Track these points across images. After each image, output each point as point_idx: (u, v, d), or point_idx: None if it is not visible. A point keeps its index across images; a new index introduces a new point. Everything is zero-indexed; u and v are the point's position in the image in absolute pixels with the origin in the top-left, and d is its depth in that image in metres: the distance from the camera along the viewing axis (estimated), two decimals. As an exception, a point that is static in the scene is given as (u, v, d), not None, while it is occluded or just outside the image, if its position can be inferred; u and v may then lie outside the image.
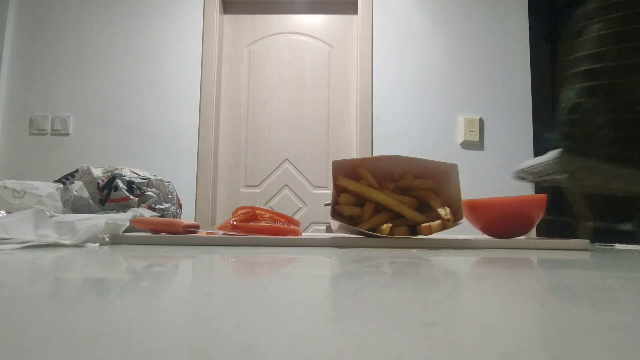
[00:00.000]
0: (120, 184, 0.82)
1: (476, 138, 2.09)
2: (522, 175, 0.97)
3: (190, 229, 0.63)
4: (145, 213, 0.72)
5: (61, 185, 0.77)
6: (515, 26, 2.14)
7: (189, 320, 0.15)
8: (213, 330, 0.13)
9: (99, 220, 0.53)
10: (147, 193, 0.84)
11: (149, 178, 0.86)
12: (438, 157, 1.94)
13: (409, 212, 0.60)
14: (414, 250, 0.50)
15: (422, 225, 0.57)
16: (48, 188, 0.73)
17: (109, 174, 0.83)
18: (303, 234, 0.79)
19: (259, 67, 2.28)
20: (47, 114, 2.18)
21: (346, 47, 2.28)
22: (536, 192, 1.58)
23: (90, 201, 0.78)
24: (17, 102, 2.19)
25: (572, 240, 0.60)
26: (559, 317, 0.16)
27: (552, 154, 0.89)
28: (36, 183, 0.73)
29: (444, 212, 0.58)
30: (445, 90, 2.14)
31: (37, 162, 2.15)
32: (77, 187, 0.77)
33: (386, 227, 0.57)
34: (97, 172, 0.83)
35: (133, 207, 0.80)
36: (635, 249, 0.63)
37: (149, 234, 0.62)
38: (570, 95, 0.90)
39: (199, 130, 2.15)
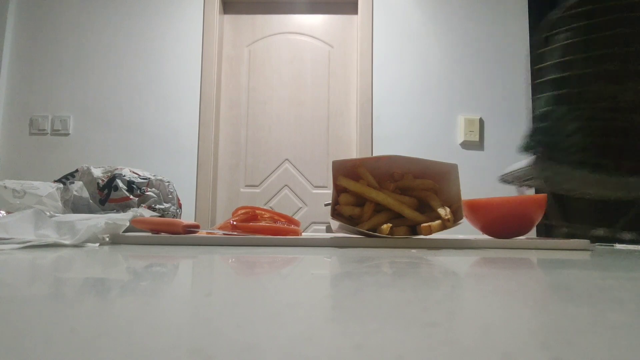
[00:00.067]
0: (120, 184, 0.82)
1: (476, 138, 2.09)
2: (506, 179, 0.98)
3: (190, 229, 0.63)
4: (145, 213, 0.72)
5: (61, 185, 0.77)
6: (515, 26, 2.14)
7: (189, 320, 0.15)
8: (213, 330, 0.13)
9: (99, 220, 0.53)
10: (147, 193, 0.84)
11: (149, 178, 0.86)
12: (438, 157, 1.94)
13: (409, 212, 0.60)
14: (414, 250, 0.50)
15: (422, 225, 0.57)
16: (48, 188, 0.73)
17: (109, 174, 0.83)
18: (303, 234, 0.79)
19: (259, 67, 2.28)
20: (47, 114, 2.18)
21: (346, 47, 2.28)
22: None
23: (90, 201, 0.78)
24: (17, 102, 2.19)
25: (572, 240, 0.60)
26: (559, 317, 0.16)
27: (529, 160, 0.91)
28: (36, 183, 0.73)
29: (444, 212, 0.58)
30: (445, 90, 2.14)
31: (37, 162, 2.15)
32: (77, 187, 0.77)
33: (386, 227, 0.57)
34: (97, 172, 0.83)
35: (133, 207, 0.80)
36: (635, 249, 0.63)
37: (149, 234, 0.62)
38: (540, 103, 0.92)
39: (199, 130, 2.15)
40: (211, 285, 0.24)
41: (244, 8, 2.31)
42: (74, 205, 0.76)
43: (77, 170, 0.86)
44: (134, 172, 0.86)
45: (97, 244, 0.51)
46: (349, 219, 0.62)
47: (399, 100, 2.15)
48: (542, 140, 0.89)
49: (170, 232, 0.62)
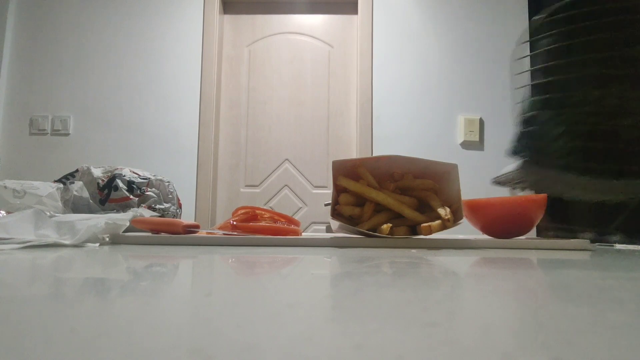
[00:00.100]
0: (120, 184, 0.82)
1: (476, 138, 2.09)
2: (499, 181, 0.99)
3: (190, 229, 0.63)
4: (145, 213, 0.72)
5: (61, 185, 0.77)
6: (515, 26, 2.14)
7: (189, 320, 0.15)
8: (213, 330, 0.13)
9: (99, 220, 0.53)
10: (147, 193, 0.84)
11: (149, 178, 0.86)
12: (438, 157, 1.94)
13: (409, 212, 0.60)
14: (414, 250, 0.50)
15: (422, 225, 0.57)
16: (48, 188, 0.73)
17: (109, 174, 0.83)
18: (303, 234, 0.79)
19: (259, 67, 2.28)
20: (47, 114, 2.18)
21: (346, 47, 2.28)
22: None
23: (90, 201, 0.78)
24: (17, 102, 2.19)
25: (572, 240, 0.60)
26: (559, 317, 0.16)
27: (518, 164, 0.92)
28: (36, 183, 0.73)
29: (444, 212, 0.58)
30: (445, 90, 2.14)
31: (37, 162, 2.15)
32: (77, 187, 0.77)
33: (386, 227, 0.57)
34: (97, 172, 0.83)
35: (133, 207, 0.80)
36: (635, 249, 0.63)
37: (149, 234, 0.62)
38: (525, 108, 0.92)
39: (199, 130, 2.15)
40: (211, 285, 0.24)
41: (244, 8, 2.31)
42: (74, 205, 0.76)
43: (77, 170, 0.86)
44: (134, 172, 0.86)
45: (97, 244, 0.51)
46: (349, 219, 0.62)
47: (399, 100, 2.15)
48: (528, 144, 0.90)
49: (170, 232, 0.62)
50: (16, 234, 0.49)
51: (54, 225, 0.52)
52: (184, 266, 0.34)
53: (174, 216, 0.89)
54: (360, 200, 0.62)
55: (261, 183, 2.22)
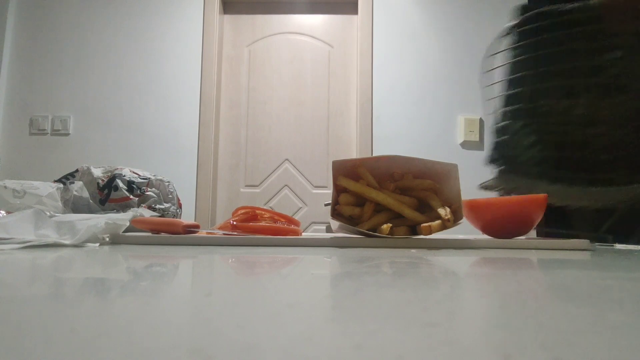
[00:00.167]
0: (120, 184, 0.82)
1: (476, 138, 2.09)
2: (484, 186, 1.00)
3: (190, 229, 0.63)
4: (145, 213, 0.72)
5: (61, 185, 0.77)
6: (515, 26, 2.13)
7: (189, 320, 0.15)
8: (213, 330, 0.13)
9: (99, 220, 0.53)
10: (147, 193, 0.84)
11: (149, 178, 0.86)
12: (438, 157, 1.94)
13: (409, 212, 0.60)
14: (414, 250, 0.50)
15: (422, 225, 0.57)
16: (48, 188, 0.73)
17: (109, 174, 0.83)
18: (303, 234, 0.79)
19: (259, 67, 2.28)
20: (47, 114, 2.18)
21: (346, 47, 2.28)
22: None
23: (90, 201, 0.78)
24: (17, 102, 2.19)
25: (572, 240, 0.60)
26: (559, 317, 0.16)
27: (496, 172, 0.93)
28: (36, 183, 0.73)
29: (444, 212, 0.58)
30: (445, 90, 2.14)
31: (37, 162, 2.15)
32: (77, 187, 0.77)
33: (386, 227, 0.57)
34: (97, 172, 0.83)
35: (133, 207, 0.80)
36: (635, 249, 0.63)
37: (149, 234, 0.62)
38: (497, 118, 0.94)
39: (199, 130, 2.15)
40: (211, 285, 0.24)
41: (244, 8, 2.31)
42: (74, 205, 0.76)
43: (77, 170, 0.86)
44: (134, 172, 0.86)
45: (97, 244, 0.51)
46: (349, 219, 0.62)
47: (399, 100, 2.15)
48: (502, 153, 0.91)
49: (170, 232, 0.62)
50: (16, 234, 0.49)
51: (54, 225, 0.52)
52: (184, 266, 0.34)
53: (174, 216, 0.89)
54: (360, 200, 0.62)
55: (261, 183, 2.22)
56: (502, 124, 0.93)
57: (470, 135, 2.09)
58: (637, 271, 0.33)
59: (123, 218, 0.59)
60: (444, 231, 0.59)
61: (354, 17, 2.27)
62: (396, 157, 0.65)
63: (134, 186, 0.83)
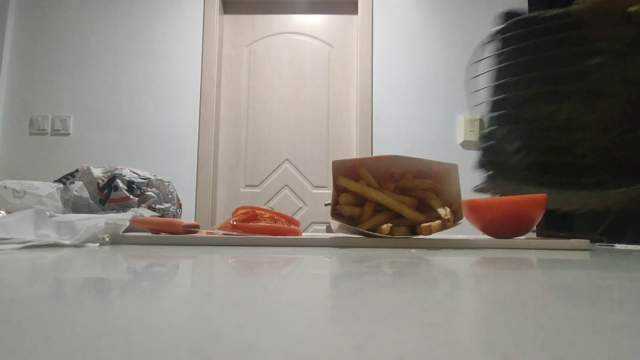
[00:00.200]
0: (120, 184, 0.82)
1: (476, 138, 2.09)
2: (478, 189, 1.01)
3: (190, 229, 0.63)
4: (145, 213, 0.72)
5: (61, 185, 0.77)
6: (515, 26, 2.13)
7: (189, 320, 0.15)
8: (213, 330, 0.13)
9: (99, 220, 0.53)
10: (147, 193, 0.84)
11: (149, 178, 0.86)
12: (438, 157, 1.94)
13: (409, 212, 0.60)
14: (413, 250, 0.50)
15: (422, 225, 0.57)
16: (48, 188, 0.73)
17: (109, 174, 0.83)
18: (303, 234, 0.79)
19: (259, 67, 2.28)
20: (47, 114, 2.18)
21: (346, 47, 2.28)
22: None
23: (90, 201, 0.78)
24: (17, 102, 2.19)
25: (572, 240, 0.60)
26: (559, 317, 0.16)
27: (485, 176, 0.94)
28: (36, 183, 0.73)
29: (444, 212, 0.58)
30: (445, 90, 2.14)
31: (37, 162, 2.15)
32: (77, 187, 0.77)
33: (386, 227, 0.57)
34: (97, 172, 0.83)
35: (133, 207, 0.80)
36: (635, 249, 0.63)
37: (149, 234, 0.62)
38: (484, 123, 0.94)
39: (199, 130, 2.15)
40: (211, 285, 0.24)
41: (244, 8, 2.31)
42: (74, 205, 0.76)
43: (77, 170, 0.86)
44: (134, 172, 0.86)
45: (97, 244, 0.51)
46: (349, 219, 0.62)
47: (398, 100, 2.15)
48: (490, 159, 0.92)
49: (170, 232, 0.62)
50: (16, 234, 0.49)
51: (54, 225, 0.52)
52: (184, 266, 0.34)
53: (174, 216, 0.89)
54: (360, 200, 0.62)
55: (261, 183, 2.22)
56: (489, 129, 0.94)
57: (470, 135, 2.09)
58: (637, 271, 0.33)
59: (123, 218, 0.59)
60: (444, 231, 0.59)
61: (354, 17, 2.27)
62: (396, 157, 0.65)
63: (134, 186, 0.83)
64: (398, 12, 2.19)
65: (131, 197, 0.81)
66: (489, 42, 0.94)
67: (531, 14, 0.88)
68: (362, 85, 2.17)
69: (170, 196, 0.88)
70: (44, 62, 2.21)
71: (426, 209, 0.62)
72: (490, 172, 0.91)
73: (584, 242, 0.59)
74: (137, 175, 0.85)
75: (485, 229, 0.69)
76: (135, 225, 0.63)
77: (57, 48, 2.21)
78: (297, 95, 2.25)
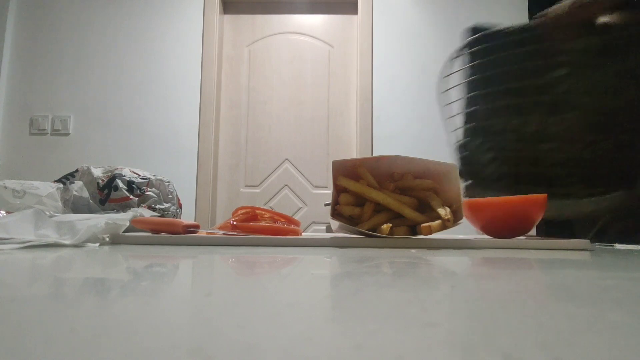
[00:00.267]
0: (120, 184, 0.82)
1: (476, 138, 2.09)
2: (465, 195, 1.04)
3: (190, 229, 0.63)
4: (145, 213, 0.72)
5: (61, 185, 0.77)
6: (515, 26, 2.14)
7: (189, 320, 0.15)
8: (213, 330, 0.13)
9: (99, 220, 0.53)
10: (147, 193, 0.84)
11: (149, 178, 0.86)
12: (438, 157, 1.94)
13: (409, 212, 0.60)
14: (413, 250, 0.50)
15: (422, 225, 0.57)
16: (48, 188, 0.73)
17: (109, 174, 0.83)
18: (303, 234, 0.79)
19: (259, 67, 2.28)
20: (47, 114, 2.18)
21: (346, 47, 2.28)
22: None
23: (90, 201, 0.78)
24: (17, 102, 2.19)
25: (572, 240, 0.60)
26: (559, 317, 0.16)
27: (464, 185, 0.96)
28: (36, 183, 0.73)
29: (444, 212, 0.58)
30: (445, 90, 2.14)
31: (37, 162, 2.15)
32: (77, 187, 0.77)
33: (386, 227, 0.57)
34: (97, 172, 0.83)
35: (133, 207, 0.80)
36: (635, 248, 0.63)
37: (149, 234, 0.62)
38: (458, 135, 0.96)
39: (199, 130, 2.16)
40: (211, 285, 0.24)
41: (244, 8, 2.31)
42: (74, 205, 0.76)
43: (77, 170, 0.86)
44: (134, 172, 0.86)
45: (97, 244, 0.51)
46: (349, 219, 0.62)
47: (398, 100, 2.15)
48: (466, 169, 0.94)
49: (170, 232, 0.62)
50: (16, 234, 0.49)
51: (54, 225, 0.52)
52: (184, 266, 0.34)
53: (174, 216, 0.89)
54: (360, 200, 0.62)
55: (261, 183, 2.22)
56: (464, 140, 0.96)
57: (470, 135, 2.09)
58: (637, 271, 0.33)
59: (123, 218, 0.59)
60: (444, 231, 0.59)
61: (354, 17, 2.27)
62: (396, 157, 0.65)
63: (134, 186, 0.83)
64: (398, 12, 2.19)
65: (131, 197, 0.81)
66: (456, 56, 0.96)
67: (495, 29, 0.90)
68: (362, 85, 2.17)
69: (170, 196, 0.88)
70: (44, 62, 2.21)
71: (426, 209, 0.62)
72: (469, 182, 0.93)
73: (583, 242, 0.59)
74: (137, 175, 0.85)
75: (485, 229, 0.69)
76: (135, 225, 0.63)
77: (57, 48, 2.21)
78: (297, 95, 2.25)
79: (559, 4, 0.83)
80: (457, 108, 0.98)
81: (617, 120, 0.79)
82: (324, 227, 2.15)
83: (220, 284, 0.24)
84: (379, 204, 0.61)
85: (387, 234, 0.57)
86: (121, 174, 0.83)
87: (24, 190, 0.70)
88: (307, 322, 0.15)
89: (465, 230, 0.71)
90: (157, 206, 0.84)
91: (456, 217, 0.61)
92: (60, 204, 0.73)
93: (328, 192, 2.18)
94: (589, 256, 0.47)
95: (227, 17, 2.31)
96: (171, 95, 2.18)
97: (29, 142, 2.17)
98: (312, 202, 2.21)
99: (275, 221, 0.69)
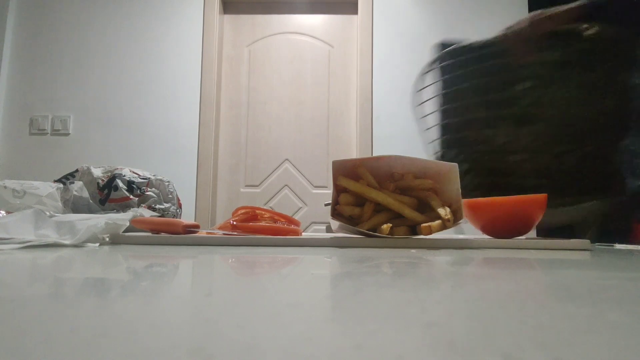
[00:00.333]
0: (120, 184, 0.82)
1: (476, 138, 2.09)
2: None
3: (190, 229, 0.63)
4: (145, 213, 0.72)
5: (61, 185, 0.77)
6: (515, 26, 2.14)
7: (189, 320, 0.15)
8: (213, 330, 0.13)
9: (99, 220, 0.53)
10: (147, 193, 0.84)
11: (149, 178, 0.86)
12: (438, 157, 1.94)
13: (408, 212, 0.60)
14: (413, 250, 0.50)
15: (422, 225, 0.57)
16: (48, 188, 0.73)
17: (109, 174, 0.83)
18: (303, 234, 0.79)
19: (259, 67, 2.28)
20: (47, 114, 2.18)
21: (346, 47, 2.28)
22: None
23: (90, 201, 0.78)
24: (17, 102, 2.19)
25: (572, 240, 0.60)
26: (559, 317, 0.16)
27: None
28: (36, 183, 0.73)
29: (444, 212, 0.58)
30: (445, 90, 2.14)
31: (37, 162, 2.15)
32: (77, 187, 0.77)
33: (386, 227, 0.57)
34: (97, 172, 0.83)
35: (133, 207, 0.80)
36: (635, 248, 0.63)
37: (149, 234, 0.62)
38: (435, 146, 1.01)
39: (199, 130, 2.16)
40: (211, 285, 0.24)
41: (244, 8, 2.31)
42: (74, 205, 0.76)
43: (77, 170, 0.86)
44: (134, 172, 0.86)
45: (97, 244, 0.51)
46: (349, 219, 0.62)
47: (398, 100, 2.15)
48: None
49: (170, 232, 0.62)
50: (16, 234, 0.49)
51: (54, 225, 0.52)
52: (184, 266, 0.34)
53: (174, 216, 0.89)
54: (360, 200, 0.62)
55: (261, 183, 2.22)
56: (441, 152, 0.99)
57: (470, 135, 2.09)
58: (637, 271, 0.33)
59: (123, 218, 0.59)
60: (444, 231, 0.59)
61: (354, 17, 2.27)
62: (396, 157, 0.65)
63: (134, 186, 0.83)
64: (398, 12, 2.19)
65: (131, 197, 0.81)
66: (428, 71, 0.98)
67: (462, 44, 0.93)
68: (362, 85, 2.17)
69: (170, 196, 0.88)
70: (44, 62, 2.21)
71: (426, 209, 0.62)
72: None
73: (584, 242, 0.59)
74: (137, 175, 0.85)
75: (485, 229, 0.69)
76: (135, 225, 0.63)
77: (57, 48, 2.21)
78: (297, 95, 2.25)
79: (521, 19, 0.84)
80: (433, 120, 1.00)
81: (582, 132, 0.81)
82: (324, 227, 2.15)
83: (220, 284, 0.24)
84: (379, 204, 0.61)
85: (387, 234, 0.57)
86: (121, 174, 0.83)
87: (24, 190, 0.70)
88: (307, 322, 0.15)
89: (465, 230, 0.71)
90: (157, 206, 0.84)
91: (456, 217, 0.61)
92: (60, 204, 0.73)
93: (328, 192, 2.18)
94: (589, 256, 0.47)
95: (227, 17, 2.31)
96: (171, 95, 2.18)
97: (29, 142, 2.17)
98: (312, 202, 2.21)
99: (275, 221, 0.69)
